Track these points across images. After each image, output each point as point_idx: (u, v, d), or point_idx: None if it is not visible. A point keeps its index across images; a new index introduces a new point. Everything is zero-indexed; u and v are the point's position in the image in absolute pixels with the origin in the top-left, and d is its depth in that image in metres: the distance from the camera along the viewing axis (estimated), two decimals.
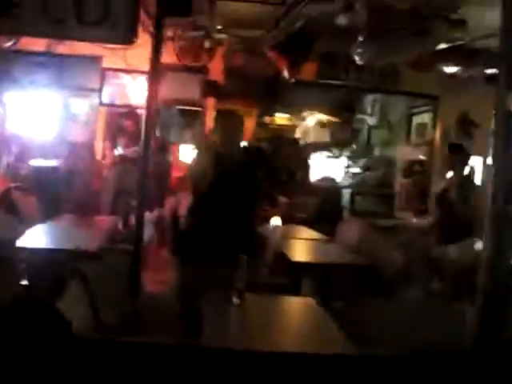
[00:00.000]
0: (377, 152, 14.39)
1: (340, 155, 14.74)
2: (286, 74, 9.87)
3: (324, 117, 13.49)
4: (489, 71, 9.00)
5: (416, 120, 12.98)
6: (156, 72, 6.33)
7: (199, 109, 11.05)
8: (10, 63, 10.62)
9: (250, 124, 11.09)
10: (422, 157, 12.37)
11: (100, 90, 10.93)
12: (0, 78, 10.67)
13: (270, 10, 8.94)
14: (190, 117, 11.18)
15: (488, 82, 10.39)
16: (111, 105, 10.97)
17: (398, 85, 11.23)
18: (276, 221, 8.61)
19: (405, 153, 13.04)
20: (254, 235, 6.27)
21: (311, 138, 14.50)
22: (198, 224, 5.86)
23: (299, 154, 12.13)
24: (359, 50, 7.73)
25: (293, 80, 9.98)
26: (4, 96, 10.91)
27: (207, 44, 10.00)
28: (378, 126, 14.23)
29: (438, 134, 11.33)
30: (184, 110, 11.25)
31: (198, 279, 5.36)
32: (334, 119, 13.80)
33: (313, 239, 8.09)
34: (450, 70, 9.04)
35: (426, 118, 12.55)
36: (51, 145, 10.93)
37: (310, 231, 8.71)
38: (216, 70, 10.94)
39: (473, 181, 7.49)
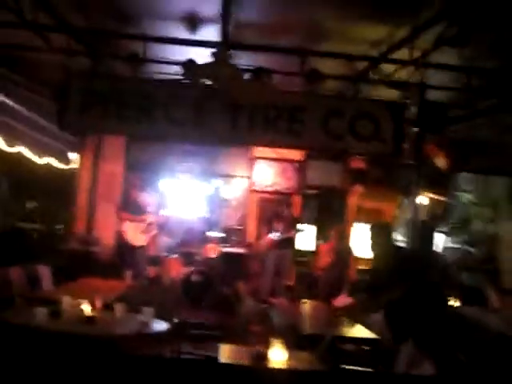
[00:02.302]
0: (476, 228, 15.44)
1: (435, 231, 15.84)
2: (443, 165, 11.07)
3: (430, 195, 14.57)
4: None
5: None
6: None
7: None
8: (165, 154, 11.71)
9: (391, 208, 12.24)
10: None
11: (250, 177, 11.99)
12: (157, 166, 11.76)
13: None
14: None
15: None
16: (261, 191, 12.01)
17: None
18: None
19: (510, 230, 14.08)
20: None
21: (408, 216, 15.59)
22: None
23: None
24: None
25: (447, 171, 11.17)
26: (161, 183, 11.94)
27: None
28: (478, 202, 15.31)
29: None
30: None
31: None
32: (438, 197, 14.87)
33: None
34: None
35: None
36: (206, 229, 11.93)
37: None
38: (358, 158, 11.95)
39: None
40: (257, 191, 12.10)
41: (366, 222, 11.62)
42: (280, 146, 8.57)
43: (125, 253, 10.50)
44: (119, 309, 6.73)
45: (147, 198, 11.23)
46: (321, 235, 12.03)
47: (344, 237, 10.92)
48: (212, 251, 11.20)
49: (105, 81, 7.21)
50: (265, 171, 12.04)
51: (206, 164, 12.06)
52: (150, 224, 10.66)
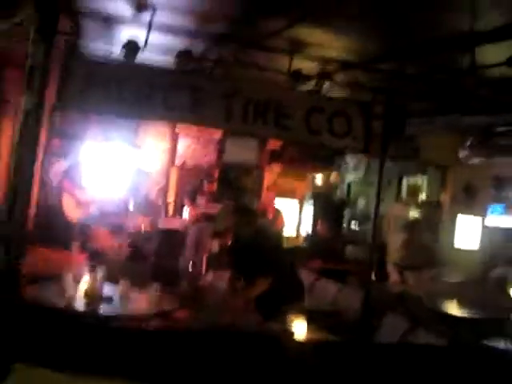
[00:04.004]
0: (361, 205, 17.04)
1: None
2: None
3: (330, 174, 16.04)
4: None
5: (407, 182, 15.80)
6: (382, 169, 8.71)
7: None
8: (87, 123, 12.19)
9: (303, 186, 13.55)
10: (416, 215, 15.18)
11: (171, 151, 12.76)
12: (79, 136, 12.21)
13: None
14: None
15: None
16: (182, 166, 12.82)
17: (417, 155, 13.97)
18: None
19: (395, 210, 15.76)
20: None
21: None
22: None
23: None
24: (467, 153, 10.64)
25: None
26: (83, 152, 12.40)
27: None
28: (362, 182, 16.89)
29: (447, 197, 14.24)
30: None
31: None
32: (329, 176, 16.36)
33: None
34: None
35: (418, 181, 15.42)
36: (128, 202, 12.51)
37: None
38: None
39: None
40: (178, 166, 12.87)
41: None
42: (268, 137, 9.50)
43: (63, 224, 10.94)
44: (124, 284, 7.35)
45: (84, 172, 11.69)
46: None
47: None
48: (143, 224, 11.82)
49: (105, 65, 7.76)
50: (186, 147, 12.82)
51: (127, 135, 12.62)
52: (87, 201, 11.20)
